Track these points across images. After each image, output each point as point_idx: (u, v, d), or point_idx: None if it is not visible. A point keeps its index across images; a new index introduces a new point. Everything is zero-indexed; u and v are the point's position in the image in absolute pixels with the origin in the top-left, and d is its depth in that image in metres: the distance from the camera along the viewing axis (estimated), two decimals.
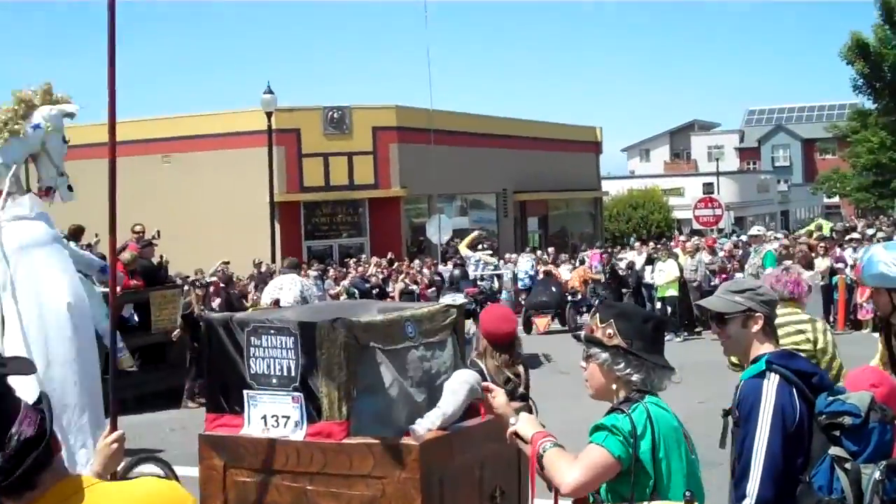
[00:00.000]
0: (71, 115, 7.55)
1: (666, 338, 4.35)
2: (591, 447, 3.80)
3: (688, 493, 3.73)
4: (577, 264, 30.80)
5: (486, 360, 6.29)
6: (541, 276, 28.53)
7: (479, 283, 25.74)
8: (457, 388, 4.98)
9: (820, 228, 32.53)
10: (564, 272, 29.54)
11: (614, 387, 3.98)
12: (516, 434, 4.06)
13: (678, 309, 23.24)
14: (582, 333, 4.16)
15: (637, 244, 32.89)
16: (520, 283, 30.33)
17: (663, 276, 23.63)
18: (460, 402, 4.96)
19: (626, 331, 3.96)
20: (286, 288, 14.13)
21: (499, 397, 4.34)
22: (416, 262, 31.96)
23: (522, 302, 27.97)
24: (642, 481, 3.77)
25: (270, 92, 31.80)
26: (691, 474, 3.87)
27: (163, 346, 16.92)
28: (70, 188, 7.67)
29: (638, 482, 3.77)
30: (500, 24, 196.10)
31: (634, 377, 3.93)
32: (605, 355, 3.97)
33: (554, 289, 26.52)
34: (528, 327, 24.99)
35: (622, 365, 3.94)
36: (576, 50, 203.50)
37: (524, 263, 31.41)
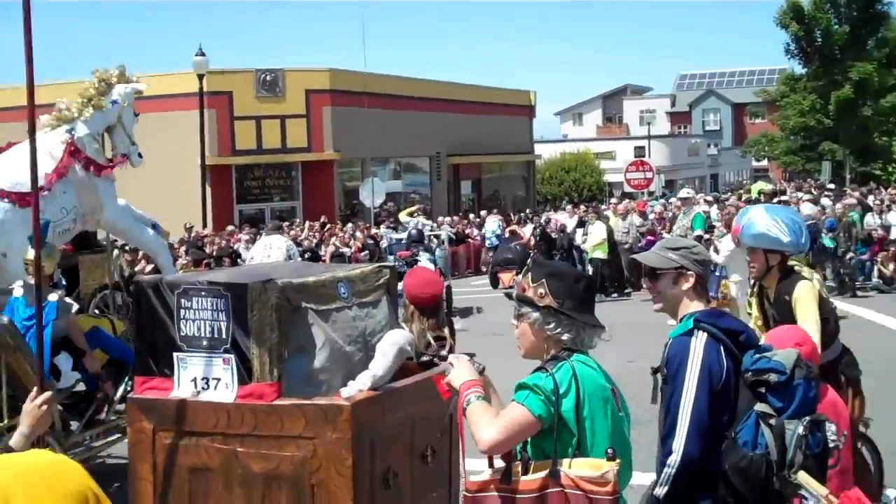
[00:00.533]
0: (140, 93, 8.50)
1: (596, 298, 4.37)
2: (512, 405, 3.82)
3: (609, 451, 3.75)
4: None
5: (412, 324, 6.28)
6: (506, 235, 30.78)
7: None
8: (387, 349, 5.00)
9: (760, 192, 32.99)
10: (528, 232, 30.77)
11: (545, 346, 4.00)
12: (450, 385, 4.05)
13: (606, 271, 23.43)
14: (514, 292, 4.16)
15: (569, 207, 33.11)
16: (487, 243, 32.67)
17: (591, 238, 23.82)
18: (390, 364, 4.98)
19: (558, 290, 3.97)
20: (275, 247, 16.00)
21: (455, 371, 4.09)
22: (349, 225, 31.84)
23: (490, 259, 29.80)
24: (565, 439, 3.79)
25: (202, 54, 31.40)
26: (617, 432, 3.90)
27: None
28: (140, 155, 8.84)
29: (560, 439, 3.78)
30: None
31: (565, 336, 3.96)
32: (536, 314, 3.99)
33: (518, 247, 28.17)
34: (494, 282, 26.48)
35: (553, 324, 3.96)
36: (510, 14, 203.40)
37: (491, 224, 33.36)
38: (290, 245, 17.04)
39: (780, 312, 6.19)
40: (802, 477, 3.93)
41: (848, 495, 2.84)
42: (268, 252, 16.04)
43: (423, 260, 19.85)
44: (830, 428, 4.93)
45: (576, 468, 3.74)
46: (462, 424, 3.96)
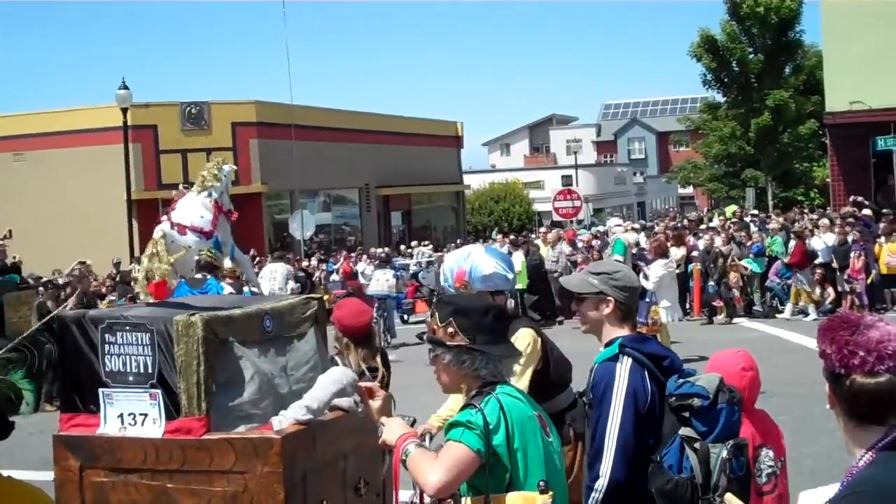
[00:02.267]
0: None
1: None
2: (449, 444, 3.77)
3: (542, 483, 3.73)
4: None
5: (348, 355, 6.20)
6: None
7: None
8: (327, 384, 4.98)
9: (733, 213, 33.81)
10: None
11: (464, 383, 3.97)
12: (385, 444, 3.99)
13: (524, 300, 23.49)
14: (425, 334, 4.13)
15: (499, 237, 33.21)
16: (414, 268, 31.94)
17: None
18: (326, 399, 4.96)
19: (467, 327, 3.94)
20: (279, 272, 18.30)
21: (376, 402, 4.14)
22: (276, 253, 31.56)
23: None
24: (498, 473, 3.77)
25: (125, 87, 31.10)
26: (549, 460, 3.89)
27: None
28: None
29: (494, 474, 3.75)
30: (359, 20, 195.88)
31: (482, 372, 3.93)
32: (448, 356, 3.95)
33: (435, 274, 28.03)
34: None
35: (467, 362, 3.92)
36: (435, 46, 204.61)
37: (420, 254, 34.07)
38: (289, 271, 20.37)
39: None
40: (729, 499, 3.98)
41: None
42: (273, 275, 18.95)
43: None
44: (768, 454, 4.99)
45: (510, 502, 3.74)
46: (397, 467, 3.91)
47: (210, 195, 9.58)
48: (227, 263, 10.42)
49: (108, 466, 4.96)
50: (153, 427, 4.88)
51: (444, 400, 5.35)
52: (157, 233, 7.95)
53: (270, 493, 4.66)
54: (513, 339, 5.73)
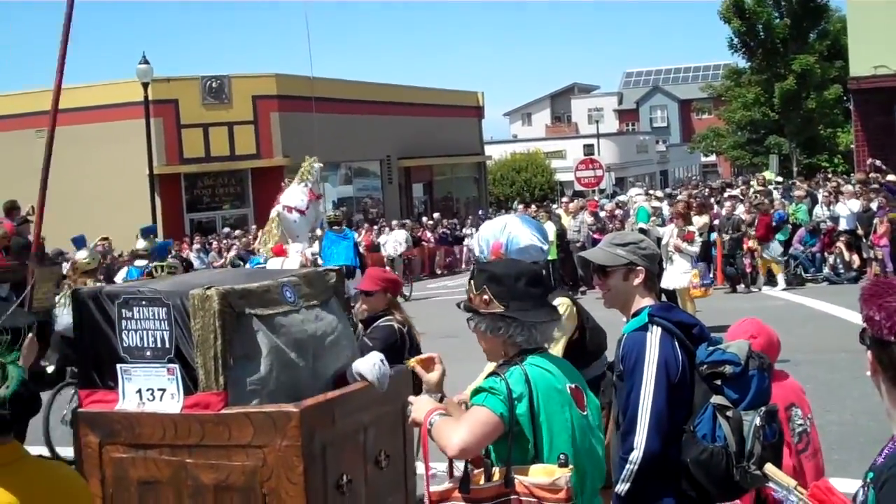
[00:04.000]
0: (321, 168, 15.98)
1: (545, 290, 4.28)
2: (473, 408, 3.75)
3: (562, 456, 3.68)
4: None
5: (397, 313, 6.95)
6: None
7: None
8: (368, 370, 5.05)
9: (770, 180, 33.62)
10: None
11: (502, 349, 3.93)
12: (415, 422, 3.96)
13: (558, 270, 23.42)
14: (462, 302, 4.08)
15: (520, 207, 33.13)
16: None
17: None
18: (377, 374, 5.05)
19: (501, 294, 3.90)
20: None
21: (434, 375, 4.14)
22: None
23: None
24: (522, 444, 3.73)
25: (146, 62, 31.07)
26: (579, 434, 3.83)
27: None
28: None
29: (517, 445, 3.72)
30: None
31: (518, 339, 3.88)
32: (483, 323, 3.93)
33: None
34: None
35: (503, 329, 3.89)
36: (456, 16, 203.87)
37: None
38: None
39: None
40: (770, 469, 3.89)
41: (818, 485, 2.80)
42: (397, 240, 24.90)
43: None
44: (797, 412, 4.93)
45: (532, 475, 3.68)
46: (426, 439, 3.86)
47: (306, 185, 14.52)
48: (318, 232, 15.67)
49: (127, 442, 4.93)
50: (171, 402, 4.84)
51: (460, 371, 5.29)
52: (273, 212, 12.62)
53: (289, 466, 4.62)
54: None
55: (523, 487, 3.67)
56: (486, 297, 3.92)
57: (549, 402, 3.77)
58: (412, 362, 4.24)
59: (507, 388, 3.71)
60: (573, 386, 3.93)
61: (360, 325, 7.39)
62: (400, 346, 6.97)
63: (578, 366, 5.27)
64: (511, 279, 3.96)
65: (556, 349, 5.56)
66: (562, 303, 5.74)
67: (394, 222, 33.76)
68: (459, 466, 3.86)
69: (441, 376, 4.14)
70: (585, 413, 3.92)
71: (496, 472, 3.75)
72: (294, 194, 15.73)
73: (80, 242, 15.58)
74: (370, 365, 5.17)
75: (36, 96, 37.85)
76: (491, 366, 4.85)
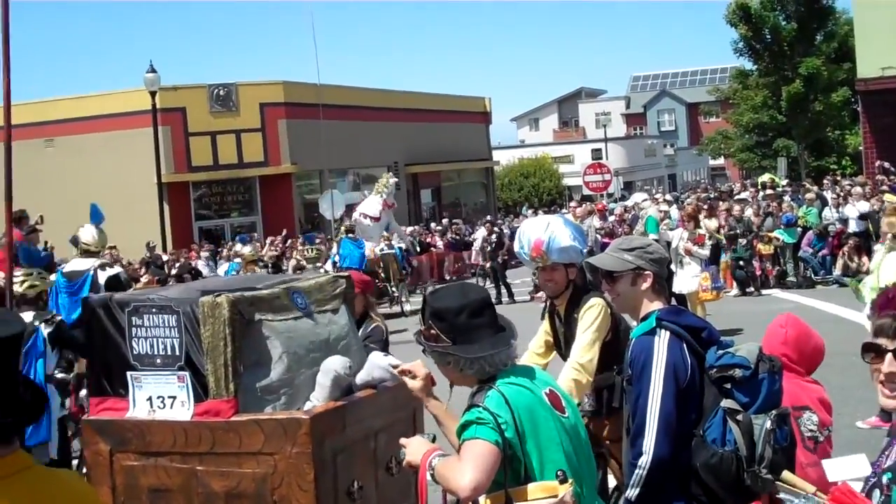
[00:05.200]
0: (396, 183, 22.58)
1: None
2: (467, 444, 3.68)
3: (560, 473, 3.66)
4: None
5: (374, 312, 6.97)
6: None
7: None
8: (322, 380, 4.95)
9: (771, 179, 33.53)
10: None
11: (463, 379, 3.91)
12: (410, 465, 3.91)
13: None
14: (416, 334, 4.04)
15: (529, 212, 33.11)
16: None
17: None
18: (327, 394, 4.92)
19: (444, 329, 3.87)
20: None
21: (416, 383, 4.10)
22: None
23: None
24: (514, 466, 3.70)
25: (153, 71, 31.16)
26: (566, 438, 3.82)
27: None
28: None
29: (511, 467, 3.69)
30: None
31: (469, 371, 3.84)
32: (435, 356, 3.91)
33: None
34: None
35: (451, 364, 3.85)
36: (462, 21, 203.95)
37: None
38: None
39: (570, 332, 5.97)
40: (788, 477, 3.89)
41: (839, 489, 2.79)
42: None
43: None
44: (811, 419, 4.90)
45: (531, 495, 3.66)
46: (423, 484, 3.82)
47: (382, 196, 19.49)
48: (385, 234, 19.67)
49: (137, 450, 4.94)
50: (182, 409, 4.85)
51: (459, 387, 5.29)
52: (354, 215, 18.07)
53: (300, 473, 4.62)
54: (584, 309, 5.84)
55: None
56: (433, 331, 3.90)
57: (532, 418, 3.75)
58: (396, 372, 4.23)
59: (492, 415, 3.66)
60: (548, 391, 3.91)
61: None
62: (386, 344, 7.11)
63: (609, 368, 5.47)
64: (452, 314, 3.89)
65: (592, 351, 5.66)
66: (596, 304, 5.83)
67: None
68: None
69: (426, 382, 4.08)
70: (567, 415, 3.90)
71: (485, 500, 3.70)
72: (371, 204, 20.05)
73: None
74: (342, 361, 5.11)
75: (44, 106, 37.99)
76: None
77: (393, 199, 20.37)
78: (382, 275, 22.25)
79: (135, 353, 4.95)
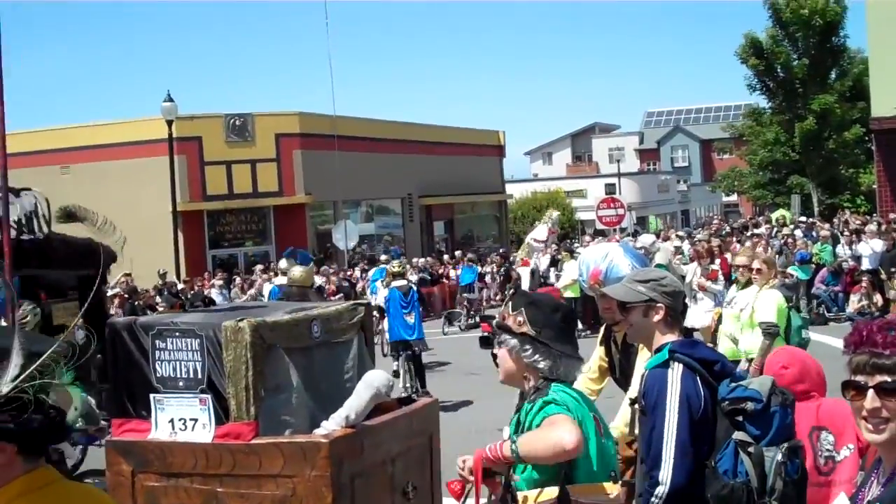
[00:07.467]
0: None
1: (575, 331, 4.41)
2: (550, 418, 3.83)
3: (613, 473, 3.86)
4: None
5: None
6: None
7: None
8: (362, 391, 5.00)
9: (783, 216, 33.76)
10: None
11: (525, 374, 4.07)
12: (471, 470, 3.98)
13: (580, 309, 23.45)
14: (495, 320, 4.24)
15: (588, 239, 33.22)
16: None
17: (564, 277, 23.93)
18: (363, 406, 4.97)
19: (535, 319, 4.06)
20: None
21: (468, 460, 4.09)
22: (323, 267, 31.79)
23: None
24: (572, 460, 3.83)
25: (170, 100, 31.40)
26: (607, 461, 3.97)
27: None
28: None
29: (569, 461, 3.83)
30: (402, 30, 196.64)
31: (542, 364, 4.01)
32: (513, 341, 4.07)
33: None
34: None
35: (529, 351, 4.03)
36: (477, 55, 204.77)
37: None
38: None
39: (627, 359, 5.99)
40: None
41: None
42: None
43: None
44: (828, 439, 4.93)
45: (586, 492, 3.78)
46: (479, 476, 3.91)
47: (548, 225, 25.75)
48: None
49: (159, 471, 5.01)
50: (203, 432, 4.93)
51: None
52: (527, 239, 25.38)
53: (319, 496, 4.69)
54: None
55: None
56: (520, 318, 4.08)
57: (585, 424, 3.92)
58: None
59: (565, 405, 3.85)
60: (594, 416, 4.06)
61: None
62: None
63: None
64: (549, 308, 4.14)
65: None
66: None
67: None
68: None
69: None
70: (605, 441, 4.04)
71: (527, 495, 3.82)
72: (540, 231, 26.03)
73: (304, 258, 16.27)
74: (385, 379, 5.18)
75: (61, 133, 38.25)
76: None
77: (557, 227, 28.03)
78: None
79: (158, 375, 5.04)
